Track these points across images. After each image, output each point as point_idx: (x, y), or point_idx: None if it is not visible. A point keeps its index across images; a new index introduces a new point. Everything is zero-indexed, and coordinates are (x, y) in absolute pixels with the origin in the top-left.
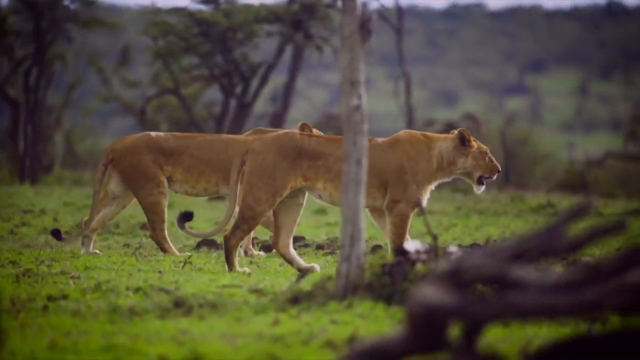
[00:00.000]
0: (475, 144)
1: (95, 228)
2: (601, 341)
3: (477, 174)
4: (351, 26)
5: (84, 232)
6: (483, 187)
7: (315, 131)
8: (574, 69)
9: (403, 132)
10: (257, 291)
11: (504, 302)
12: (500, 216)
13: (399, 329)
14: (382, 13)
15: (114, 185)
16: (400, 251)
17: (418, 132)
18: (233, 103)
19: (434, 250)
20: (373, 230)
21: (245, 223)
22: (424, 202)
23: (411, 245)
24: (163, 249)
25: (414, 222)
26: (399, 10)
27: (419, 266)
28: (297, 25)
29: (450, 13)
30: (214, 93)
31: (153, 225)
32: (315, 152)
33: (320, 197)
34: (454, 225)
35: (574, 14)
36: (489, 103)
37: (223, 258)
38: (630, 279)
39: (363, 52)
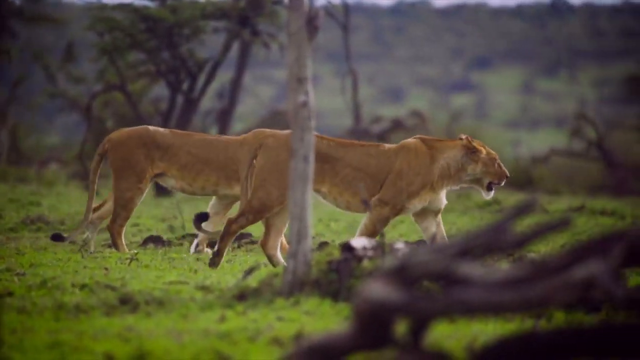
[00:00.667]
0: (484, 150)
1: (103, 216)
2: (546, 337)
3: (486, 180)
4: (298, 23)
5: (83, 225)
6: (492, 193)
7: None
8: (520, 66)
9: (412, 140)
10: (203, 288)
11: (451, 299)
12: (447, 213)
13: (345, 326)
14: (329, 9)
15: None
16: (347, 248)
17: (428, 140)
18: (180, 99)
19: (381, 247)
20: (320, 227)
21: (251, 213)
22: (412, 211)
23: (358, 242)
24: (115, 243)
25: (359, 218)
26: (346, 7)
27: (365, 263)
28: (243, 22)
29: (397, 10)
30: (160, 89)
31: (116, 217)
32: (325, 155)
33: (324, 199)
34: (400, 222)
35: (519, 11)
36: (435, 100)
37: (169, 255)
38: (575, 275)
39: (310, 49)
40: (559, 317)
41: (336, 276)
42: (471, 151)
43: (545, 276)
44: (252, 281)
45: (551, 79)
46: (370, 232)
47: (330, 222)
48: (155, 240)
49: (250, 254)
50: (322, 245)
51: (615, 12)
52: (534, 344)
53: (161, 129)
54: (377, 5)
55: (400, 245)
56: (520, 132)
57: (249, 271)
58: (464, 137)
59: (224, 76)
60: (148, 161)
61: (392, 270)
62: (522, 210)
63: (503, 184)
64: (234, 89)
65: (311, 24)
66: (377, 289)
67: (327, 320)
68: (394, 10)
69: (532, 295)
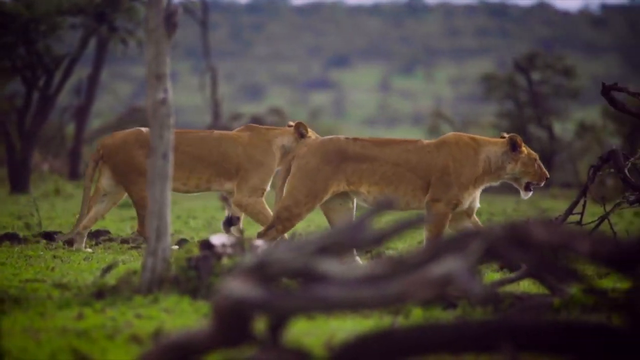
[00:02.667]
0: (525, 150)
1: (88, 225)
2: (404, 333)
3: (525, 180)
4: (156, 19)
5: (77, 229)
6: (530, 194)
7: (310, 131)
8: (377, 65)
9: (451, 134)
10: (61, 286)
11: (309, 296)
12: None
13: (204, 323)
14: (187, 6)
15: (104, 181)
16: (206, 245)
17: (466, 135)
18: (36, 96)
19: (240, 244)
20: (179, 225)
21: (280, 223)
22: (466, 205)
23: (217, 239)
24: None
25: (220, 216)
26: (204, 4)
27: (225, 260)
28: (100, 18)
29: (255, 7)
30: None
31: (142, 220)
32: (360, 155)
33: (364, 201)
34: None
35: (376, 9)
36: (294, 97)
37: (26, 253)
38: (433, 272)
39: (169, 46)
40: (417, 314)
41: (195, 273)
42: (513, 149)
43: (403, 273)
44: (110, 279)
45: (408, 77)
46: (435, 234)
47: (189, 219)
48: (11, 237)
49: (109, 251)
50: (181, 242)
51: (471, 11)
52: (392, 340)
53: None
54: (235, 3)
55: (259, 242)
56: (378, 129)
57: (107, 269)
58: (506, 135)
59: (81, 72)
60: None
61: (251, 268)
62: (380, 207)
63: (542, 184)
64: (91, 85)
65: (170, 20)
66: (236, 286)
67: (186, 317)
68: (252, 8)
69: (390, 292)
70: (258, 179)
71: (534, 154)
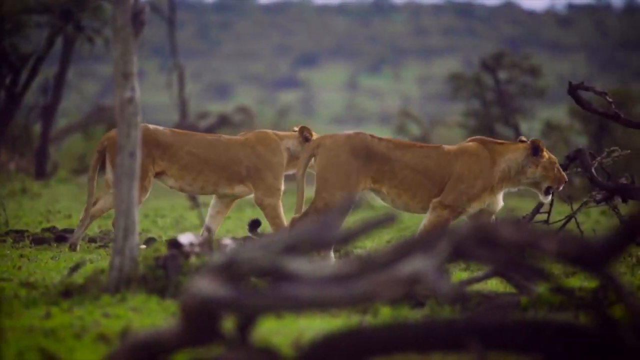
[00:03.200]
0: (546, 154)
1: (95, 215)
2: (372, 332)
3: (545, 185)
4: (123, 18)
5: (85, 220)
6: (549, 198)
7: (314, 135)
8: (345, 64)
9: (473, 143)
10: (28, 285)
11: (278, 295)
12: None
13: (172, 322)
14: (154, 4)
15: (111, 174)
16: (174, 244)
17: (489, 143)
18: (2, 94)
19: (208, 243)
20: (146, 223)
21: (316, 214)
22: (470, 212)
23: (185, 238)
24: None
25: (188, 215)
26: (171, 2)
27: (193, 259)
28: (67, 16)
29: (222, 6)
30: None
31: None
32: (384, 156)
33: (383, 200)
34: (227, 218)
35: (343, 8)
36: (261, 96)
37: None
38: (401, 271)
39: (136, 44)
40: (385, 313)
41: (163, 272)
42: (534, 153)
43: (371, 272)
44: (78, 278)
45: (375, 76)
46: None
47: (156, 218)
48: None
49: (76, 250)
50: (149, 241)
51: (438, 11)
52: (360, 339)
53: (161, 128)
54: (203, 1)
55: (227, 241)
56: (346, 128)
57: (75, 268)
58: (525, 139)
59: (48, 71)
60: (150, 159)
61: (219, 266)
62: (349, 206)
63: (561, 188)
64: (58, 84)
65: (137, 19)
66: (204, 285)
67: (154, 316)
68: (219, 6)
69: (358, 291)
70: (272, 177)
71: (554, 158)
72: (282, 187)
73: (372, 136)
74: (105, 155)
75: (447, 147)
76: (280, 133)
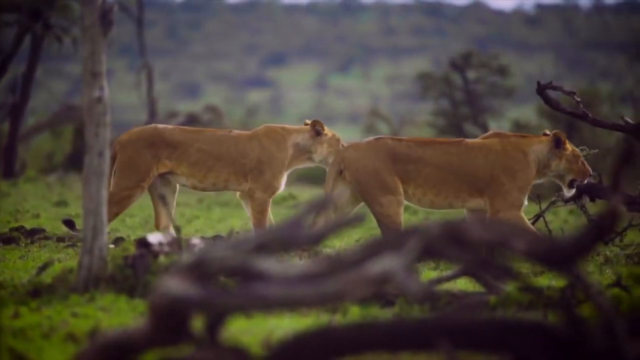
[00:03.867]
0: (569, 147)
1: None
2: (342, 331)
3: (569, 177)
4: (92, 17)
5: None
6: (573, 191)
7: (326, 129)
8: (314, 63)
9: (495, 139)
10: None
11: (247, 294)
12: (242, 208)
13: (141, 322)
14: (122, 4)
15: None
16: (142, 243)
17: (511, 136)
18: None
19: (177, 243)
20: (115, 223)
21: (389, 233)
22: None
23: (154, 237)
24: None
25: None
26: (140, 1)
27: (162, 258)
28: (35, 15)
29: (191, 5)
30: None
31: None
32: (407, 156)
33: (409, 201)
34: (196, 218)
35: (312, 8)
36: (230, 95)
37: None
38: (371, 270)
39: (105, 43)
40: (355, 312)
41: (132, 272)
42: (557, 146)
43: (341, 271)
44: (47, 277)
45: (344, 76)
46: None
47: (125, 217)
48: None
49: (45, 249)
50: (118, 240)
51: (407, 10)
52: (329, 338)
53: (169, 127)
54: (171, 1)
55: (196, 240)
56: None
57: (43, 267)
58: (548, 132)
59: (16, 70)
60: (154, 161)
61: (189, 266)
62: (318, 206)
63: (585, 182)
64: (26, 82)
65: (105, 18)
66: (173, 285)
67: (123, 316)
68: (188, 6)
69: (328, 290)
70: (270, 173)
71: (577, 151)
72: (281, 185)
73: (392, 138)
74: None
75: (469, 140)
76: (289, 127)
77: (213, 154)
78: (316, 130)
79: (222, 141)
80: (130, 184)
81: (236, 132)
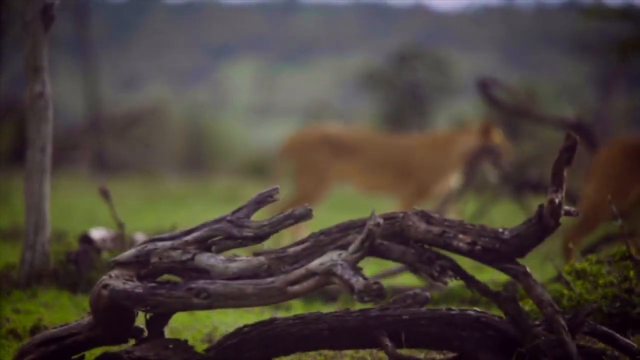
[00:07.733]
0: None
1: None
2: (285, 327)
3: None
4: (33, 12)
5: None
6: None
7: (495, 135)
8: (257, 58)
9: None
10: None
11: (191, 290)
12: (188, 203)
13: (84, 318)
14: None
15: None
16: (85, 239)
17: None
18: None
19: (121, 238)
20: (58, 218)
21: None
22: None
23: (97, 233)
24: None
25: (100, 210)
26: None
27: (105, 254)
28: None
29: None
30: None
31: None
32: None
33: None
34: (137, 214)
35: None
36: (173, 90)
37: None
38: (313, 265)
39: (46, 38)
40: (298, 308)
41: (75, 268)
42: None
43: (284, 267)
44: None
45: (288, 71)
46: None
47: (70, 212)
48: None
49: None
50: (61, 236)
51: (350, 7)
52: (273, 334)
53: (343, 128)
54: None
55: (140, 236)
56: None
57: None
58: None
59: None
60: (331, 162)
61: (131, 262)
62: (263, 200)
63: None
64: None
65: (46, 13)
66: (116, 281)
67: (65, 312)
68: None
69: (274, 285)
70: (427, 178)
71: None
72: (438, 190)
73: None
74: None
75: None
76: (458, 133)
77: (383, 159)
78: (487, 136)
79: (392, 146)
80: None
81: (407, 136)
